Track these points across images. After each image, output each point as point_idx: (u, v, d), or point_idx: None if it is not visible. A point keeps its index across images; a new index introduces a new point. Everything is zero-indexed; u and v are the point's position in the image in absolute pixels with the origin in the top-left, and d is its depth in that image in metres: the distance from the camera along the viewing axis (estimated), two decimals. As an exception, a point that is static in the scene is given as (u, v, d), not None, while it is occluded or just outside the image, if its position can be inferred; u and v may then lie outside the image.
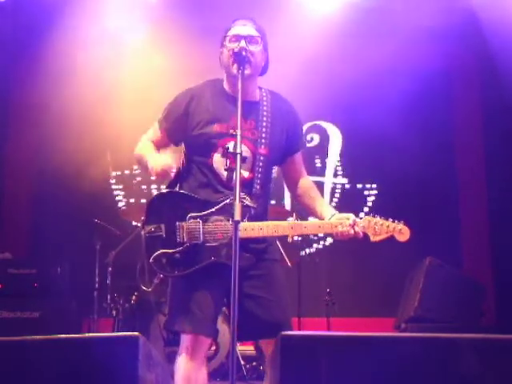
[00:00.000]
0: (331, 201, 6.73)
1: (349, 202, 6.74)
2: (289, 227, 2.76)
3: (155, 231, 2.73)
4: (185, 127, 2.87)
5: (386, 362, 2.09)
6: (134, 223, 5.78)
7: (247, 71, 2.77)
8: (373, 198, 6.76)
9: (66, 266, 5.36)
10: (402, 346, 2.13)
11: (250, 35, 2.83)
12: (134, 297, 5.26)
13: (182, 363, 2.72)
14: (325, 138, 6.85)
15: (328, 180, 6.78)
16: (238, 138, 2.53)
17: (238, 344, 4.56)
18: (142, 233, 2.76)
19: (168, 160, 2.76)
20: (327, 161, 6.80)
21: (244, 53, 2.76)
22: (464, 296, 5.24)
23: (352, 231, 2.76)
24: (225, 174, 2.78)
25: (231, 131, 2.66)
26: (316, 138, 6.81)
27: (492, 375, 2.09)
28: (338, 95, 6.33)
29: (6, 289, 5.21)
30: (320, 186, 6.66)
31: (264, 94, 2.93)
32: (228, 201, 2.72)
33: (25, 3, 6.15)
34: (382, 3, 6.10)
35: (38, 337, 2.20)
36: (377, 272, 6.24)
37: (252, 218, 2.73)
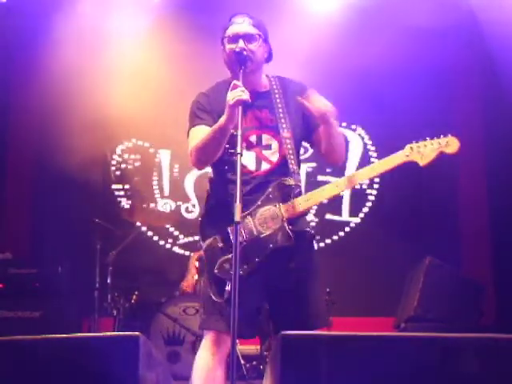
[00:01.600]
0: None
1: (349, 201, 6.75)
2: (335, 185, 2.81)
3: (213, 244, 2.80)
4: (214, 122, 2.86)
5: (385, 361, 2.09)
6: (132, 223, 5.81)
7: (249, 69, 2.79)
8: (373, 197, 6.75)
9: (67, 265, 5.36)
10: (402, 345, 2.13)
11: (247, 33, 2.83)
12: (134, 296, 5.28)
13: (203, 359, 2.76)
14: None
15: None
16: (239, 138, 2.54)
17: (238, 344, 4.56)
18: (202, 251, 2.84)
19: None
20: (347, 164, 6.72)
21: (245, 52, 2.78)
22: (464, 296, 5.24)
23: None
24: (251, 165, 2.83)
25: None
26: None
27: (492, 375, 2.09)
28: (337, 96, 6.32)
29: (6, 289, 5.21)
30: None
31: (273, 81, 2.95)
32: (270, 189, 2.79)
33: (25, 3, 6.15)
34: (382, 3, 6.10)
35: (38, 337, 2.21)
36: (377, 272, 6.24)
37: (298, 196, 2.79)
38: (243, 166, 2.78)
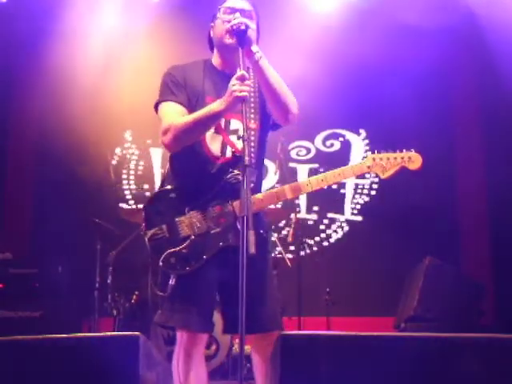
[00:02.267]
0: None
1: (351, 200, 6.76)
2: (289, 189, 2.69)
3: (158, 234, 2.66)
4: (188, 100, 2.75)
5: (385, 361, 2.09)
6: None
7: (244, 43, 2.62)
8: (373, 198, 6.75)
9: (67, 265, 5.37)
10: (402, 345, 2.14)
11: (244, 9, 2.78)
12: (134, 296, 5.27)
13: (181, 361, 2.66)
14: (346, 145, 6.78)
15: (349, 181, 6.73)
16: (245, 147, 2.39)
17: (238, 343, 4.55)
18: (146, 239, 2.68)
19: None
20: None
21: (243, 27, 2.62)
22: (463, 296, 5.24)
23: None
24: (214, 149, 2.70)
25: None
26: (337, 144, 6.75)
27: (492, 375, 2.09)
28: (337, 97, 6.34)
29: (6, 288, 5.21)
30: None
31: (250, 68, 2.80)
32: (222, 182, 2.64)
33: (25, 3, 6.15)
34: (382, 3, 6.10)
35: (38, 337, 2.21)
36: (377, 272, 6.24)
37: (251, 191, 2.52)
38: (208, 149, 2.71)
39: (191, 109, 2.72)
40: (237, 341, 4.76)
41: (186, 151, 2.73)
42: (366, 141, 6.73)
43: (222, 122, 2.74)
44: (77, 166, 6.20)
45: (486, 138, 6.57)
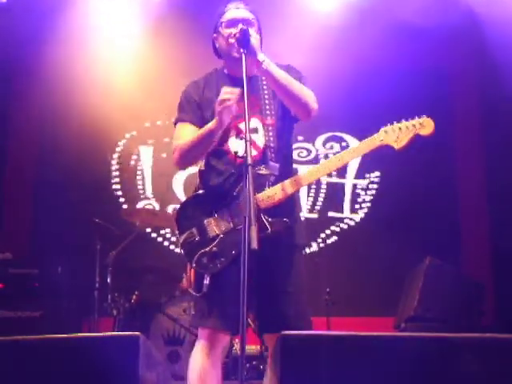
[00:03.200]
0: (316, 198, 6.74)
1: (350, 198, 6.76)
2: (309, 173, 2.74)
3: (189, 237, 2.77)
4: (202, 117, 2.87)
5: (385, 361, 2.09)
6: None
7: (248, 51, 2.72)
8: (373, 197, 6.75)
9: (67, 265, 5.36)
10: (402, 345, 2.13)
11: (246, 18, 2.83)
12: (134, 296, 5.27)
13: (198, 359, 2.73)
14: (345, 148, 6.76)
15: (349, 182, 6.73)
16: (248, 145, 2.46)
17: (238, 343, 4.55)
18: (179, 244, 2.81)
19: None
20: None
21: (244, 35, 2.70)
22: (464, 296, 5.24)
23: None
24: (240, 152, 2.72)
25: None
26: (336, 147, 6.75)
27: (492, 375, 2.09)
28: (337, 98, 6.34)
29: (6, 288, 5.20)
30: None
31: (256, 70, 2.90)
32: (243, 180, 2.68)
33: (25, 3, 6.15)
34: (381, 2, 6.10)
35: (37, 337, 2.21)
36: (377, 272, 6.23)
37: (273, 184, 2.71)
38: (229, 151, 2.79)
39: (207, 121, 2.83)
40: (237, 341, 4.76)
41: (210, 156, 2.87)
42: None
43: (243, 125, 2.75)
44: (77, 166, 6.20)
45: (486, 137, 6.57)
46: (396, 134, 2.67)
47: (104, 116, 6.15)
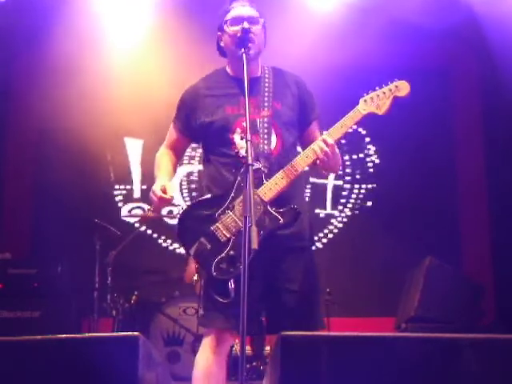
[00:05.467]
0: (333, 201, 6.73)
1: (349, 201, 6.75)
2: (301, 159, 2.74)
3: (200, 248, 2.71)
4: (194, 122, 2.89)
5: (386, 361, 2.08)
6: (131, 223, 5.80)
7: (251, 51, 2.76)
8: (373, 197, 6.75)
9: (66, 265, 5.36)
10: (402, 345, 2.13)
11: (250, 16, 2.83)
12: (133, 297, 5.27)
13: (204, 358, 2.72)
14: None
15: (330, 182, 6.75)
16: (248, 144, 2.47)
17: (239, 344, 4.55)
18: (192, 258, 2.78)
19: (166, 189, 2.78)
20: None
21: (251, 35, 2.75)
22: (464, 296, 5.24)
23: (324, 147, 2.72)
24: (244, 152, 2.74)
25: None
26: None
27: (492, 375, 2.09)
28: (335, 96, 6.33)
29: (6, 289, 5.20)
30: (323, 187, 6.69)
31: (266, 70, 2.94)
32: (239, 177, 2.70)
33: (25, 3, 6.14)
34: (380, 2, 6.09)
35: (38, 337, 2.20)
36: (377, 272, 6.24)
37: (269, 178, 2.70)
38: (237, 154, 2.77)
39: (202, 124, 2.85)
40: (237, 341, 4.75)
41: (217, 160, 2.86)
42: (368, 138, 6.73)
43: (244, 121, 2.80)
44: (77, 166, 6.20)
45: (486, 137, 6.57)
46: (375, 101, 2.78)
47: (104, 116, 6.15)
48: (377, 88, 2.81)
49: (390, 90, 2.80)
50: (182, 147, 3.08)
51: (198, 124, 2.89)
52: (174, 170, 3.04)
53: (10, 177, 6.52)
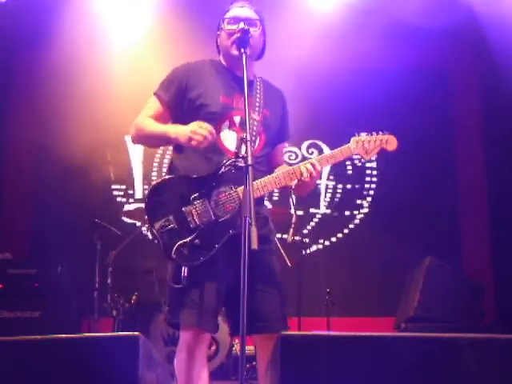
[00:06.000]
0: (331, 201, 6.73)
1: (349, 201, 6.75)
2: (285, 174, 2.75)
3: (166, 225, 2.62)
4: (183, 100, 2.82)
5: (386, 361, 2.09)
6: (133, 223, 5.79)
7: (247, 53, 2.73)
8: (373, 197, 6.75)
9: (66, 265, 5.36)
10: (402, 345, 2.13)
11: (248, 17, 2.83)
12: (134, 297, 5.27)
13: (183, 359, 2.67)
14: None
15: (323, 182, 6.77)
16: (248, 145, 2.47)
17: (239, 344, 4.55)
18: (154, 231, 2.62)
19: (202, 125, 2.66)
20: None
21: (245, 34, 2.74)
22: (464, 296, 5.24)
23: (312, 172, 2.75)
24: (230, 147, 2.75)
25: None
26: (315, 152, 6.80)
27: (492, 375, 2.09)
28: (335, 97, 6.34)
29: (6, 289, 5.20)
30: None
31: (257, 78, 2.95)
32: (223, 169, 2.67)
33: (25, 3, 6.15)
34: (380, 2, 6.09)
35: (38, 337, 2.20)
36: (377, 272, 6.24)
37: (254, 178, 2.59)
38: (223, 146, 2.76)
39: (190, 105, 2.80)
40: (237, 341, 4.76)
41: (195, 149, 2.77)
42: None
43: (238, 118, 2.78)
44: (77, 166, 6.19)
45: (486, 137, 6.58)
46: (365, 147, 2.90)
47: (105, 116, 6.15)
48: (369, 134, 2.93)
49: (381, 141, 2.93)
50: (164, 123, 2.87)
51: (186, 102, 2.81)
52: None
53: (10, 177, 6.52)
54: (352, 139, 2.89)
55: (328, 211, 6.72)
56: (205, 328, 2.66)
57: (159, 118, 2.87)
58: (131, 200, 6.66)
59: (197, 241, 2.61)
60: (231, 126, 2.78)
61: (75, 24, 6.02)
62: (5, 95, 6.50)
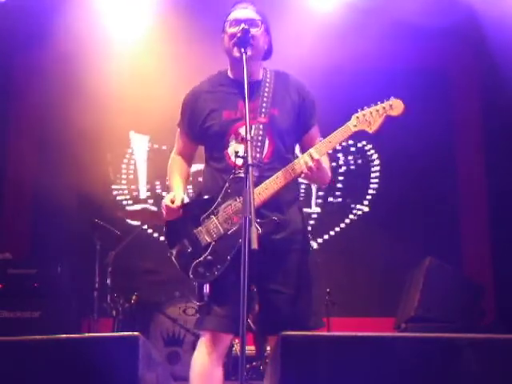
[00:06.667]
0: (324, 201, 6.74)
1: (349, 201, 6.75)
2: (288, 170, 2.73)
3: (182, 250, 2.78)
4: (195, 125, 2.91)
5: (386, 361, 2.09)
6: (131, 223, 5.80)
7: (248, 53, 2.75)
8: (372, 197, 6.74)
9: (66, 265, 5.36)
10: (402, 345, 2.13)
11: (249, 18, 2.84)
12: (133, 297, 5.27)
13: (199, 358, 2.75)
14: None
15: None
16: (249, 145, 2.49)
17: (239, 344, 4.55)
18: (173, 259, 2.80)
19: (174, 198, 2.81)
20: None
21: (245, 34, 2.75)
22: (464, 296, 5.24)
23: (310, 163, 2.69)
24: (238, 160, 2.74)
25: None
26: None
27: (492, 375, 2.09)
28: (335, 97, 6.33)
29: (5, 289, 5.20)
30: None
31: (268, 74, 2.94)
32: (227, 184, 2.75)
33: (25, 3, 6.14)
34: (380, 2, 6.09)
35: (38, 337, 2.20)
36: (377, 272, 6.23)
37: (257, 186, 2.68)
38: (230, 161, 2.78)
39: (201, 128, 2.89)
40: (237, 341, 4.75)
41: (210, 161, 2.92)
42: (366, 139, 6.73)
43: (243, 129, 2.74)
44: (77, 166, 6.19)
45: (486, 137, 6.57)
46: (368, 119, 2.75)
47: (105, 115, 6.15)
48: (372, 105, 2.79)
49: (384, 108, 2.79)
50: (191, 152, 3.07)
51: (198, 127, 2.92)
52: (187, 177, 3.06)
53: (10, 177, 6.51)
54: (353, 116, 2.79)
55: (319, 210, 6.69)
56: (221, 329, 2.73)
57: (186, 150, 3.05)
58: (130, 202, 6.66)
59: (209, 257, 2.73)
60: (237, 137, 2.82)
61: (75, 24, 6.00)
62: (5, 95, 6.49)
